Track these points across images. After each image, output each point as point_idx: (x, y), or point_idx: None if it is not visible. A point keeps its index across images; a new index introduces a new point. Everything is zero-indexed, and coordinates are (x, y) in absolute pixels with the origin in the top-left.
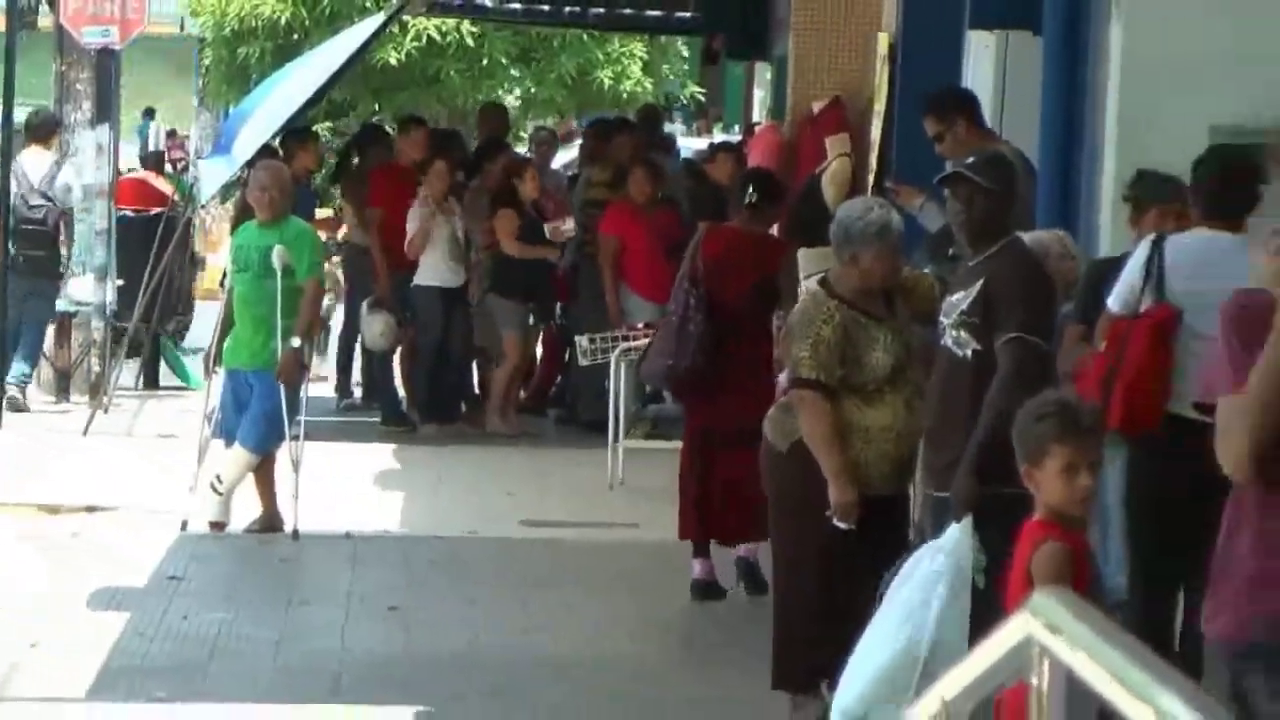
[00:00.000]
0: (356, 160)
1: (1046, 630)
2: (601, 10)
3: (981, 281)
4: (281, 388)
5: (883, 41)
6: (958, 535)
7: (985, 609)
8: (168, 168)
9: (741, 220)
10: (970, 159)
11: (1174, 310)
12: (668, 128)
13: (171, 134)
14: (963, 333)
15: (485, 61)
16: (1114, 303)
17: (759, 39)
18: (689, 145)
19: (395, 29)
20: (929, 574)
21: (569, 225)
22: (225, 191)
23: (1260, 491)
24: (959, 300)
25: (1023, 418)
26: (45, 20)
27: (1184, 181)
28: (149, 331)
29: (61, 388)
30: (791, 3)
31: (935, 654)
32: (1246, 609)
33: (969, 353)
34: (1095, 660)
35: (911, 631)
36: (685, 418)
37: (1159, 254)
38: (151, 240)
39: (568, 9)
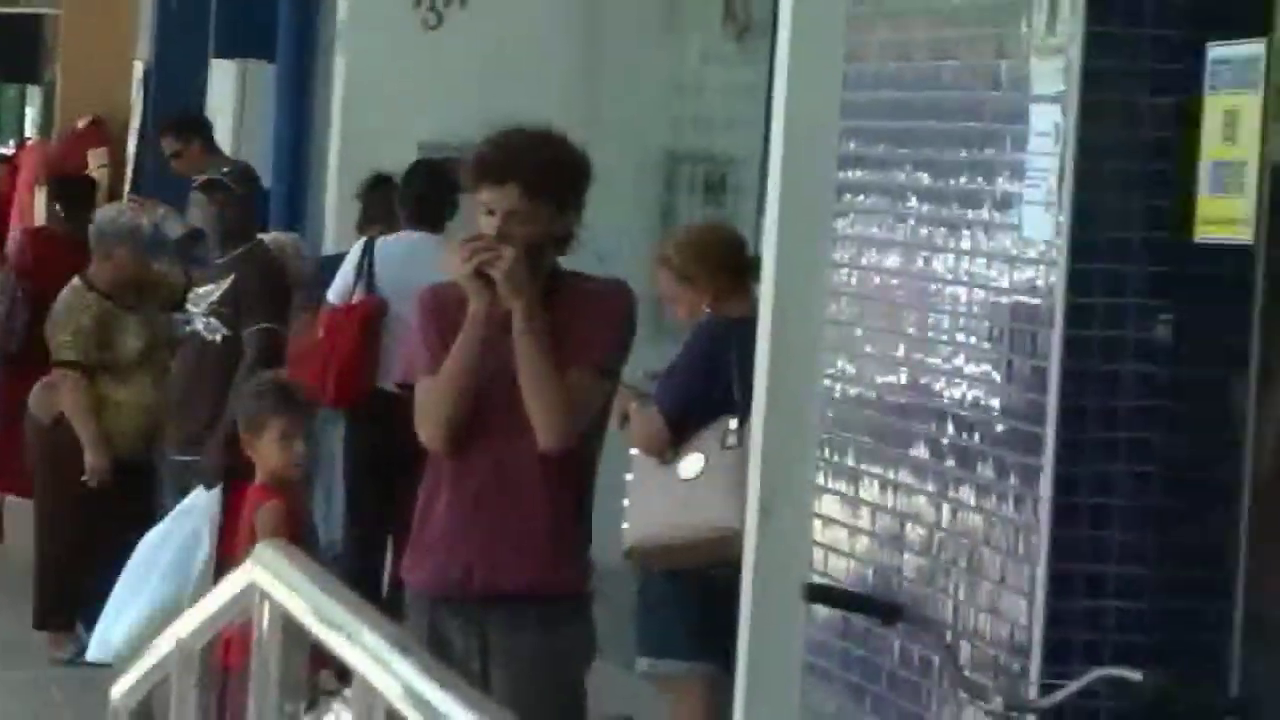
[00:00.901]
0: None
1: (268, 577)
2: None
3: (232, 277)
4: None
5: (137, 69)
6: (207, 498)
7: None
8: None
9: (58, 224)
10: (226, 169)
11: (381, 301)
12: None
13: None
14: (214, 320)
15: None
16: (331, 295)
17: (30, 65)
18: None
19: None
20: (187, 533)
21: None
22: None
23: (454, 461)
24: (208, 292)
25: (244, 395)
26: None
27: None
28: None
29: None
30: (57, 35)
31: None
32: (442, 562)
33: (219, 337)
34: (308, 604)
35: (175, 585)
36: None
37: (370, 253)
38: None
39: None
